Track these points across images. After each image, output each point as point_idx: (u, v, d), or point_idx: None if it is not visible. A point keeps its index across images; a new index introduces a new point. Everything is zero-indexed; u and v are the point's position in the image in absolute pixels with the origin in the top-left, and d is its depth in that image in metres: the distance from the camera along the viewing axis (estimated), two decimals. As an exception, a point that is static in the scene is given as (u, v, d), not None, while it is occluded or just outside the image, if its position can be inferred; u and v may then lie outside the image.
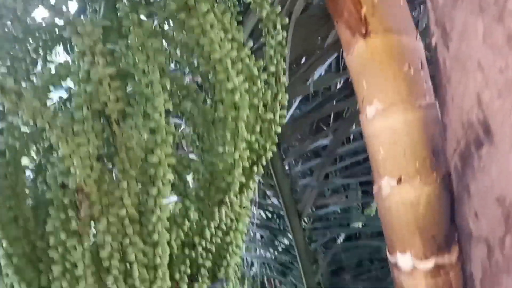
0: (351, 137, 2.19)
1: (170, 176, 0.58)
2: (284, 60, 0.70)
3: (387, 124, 0.44)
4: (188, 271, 0.73)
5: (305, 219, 2.40)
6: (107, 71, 0.56)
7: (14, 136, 0.60)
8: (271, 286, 3.33)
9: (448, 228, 0.40)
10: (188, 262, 0.73)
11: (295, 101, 1.72)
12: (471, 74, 0.36)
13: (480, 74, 0.35)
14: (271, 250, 2.70)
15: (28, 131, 0.63)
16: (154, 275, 0.66)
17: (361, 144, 2.18)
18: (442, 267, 0.39)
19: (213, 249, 0.76)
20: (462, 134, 0.35)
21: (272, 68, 0.70)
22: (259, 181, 2.05)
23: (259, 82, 0.68)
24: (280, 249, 2.56)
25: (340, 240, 2.31)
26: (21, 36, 0.59)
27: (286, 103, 0.70)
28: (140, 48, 0.59)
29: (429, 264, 0.39)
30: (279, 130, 0.68)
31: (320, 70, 1.63)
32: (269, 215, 2.61)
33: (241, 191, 0.73)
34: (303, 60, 1.62)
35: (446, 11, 0.37)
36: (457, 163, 0.36)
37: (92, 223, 0.61)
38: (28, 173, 0.66)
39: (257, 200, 2.13)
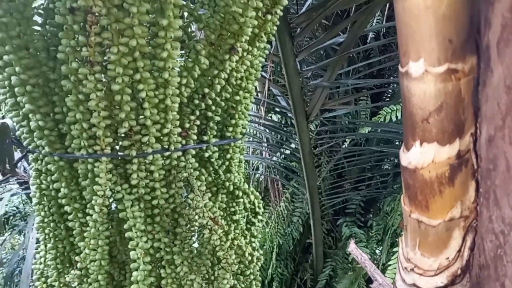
0: (368, 39, 2.11)
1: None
2: None
3: None
4: (198, 122, 0.75)
5: (312, 126, 2.42)
6: None
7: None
8: (274, 190, 3.51)
9: (467, 34, 0.39)
10: (197, 112, 0.74)
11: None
12: None
13: None
14: (278, 154, 2.78)
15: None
16: (164, 118, 0.68)
17: (375, 46, 2.10)
18: (454, 72, 0.39)
19: (222, 104, 0.77)
20: None
21: None
22: (269, 79, 2.03)
23: None
24: (286, 153, 2.63)
25: (345, 145, 2.35)
26: None
27: None
28: None
29: (442, 68, 0.39)
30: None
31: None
32: (277, 119, 2.64)
33: (253, 42, 0.72)
34: None
35: None
36: None
37: (104, 59, 0.61)
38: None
39: (265, 100, 2.13)
